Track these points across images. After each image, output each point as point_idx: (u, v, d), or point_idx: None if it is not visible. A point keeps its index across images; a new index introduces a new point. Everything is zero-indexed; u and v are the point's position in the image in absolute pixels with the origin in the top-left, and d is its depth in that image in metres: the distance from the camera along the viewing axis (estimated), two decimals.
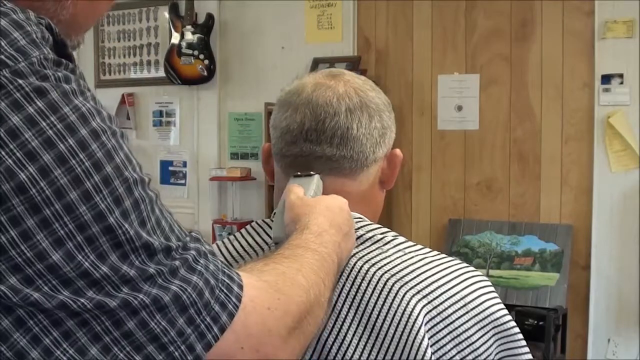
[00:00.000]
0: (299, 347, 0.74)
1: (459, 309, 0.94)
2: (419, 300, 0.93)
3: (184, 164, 4.36)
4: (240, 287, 0.68)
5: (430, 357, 0.91)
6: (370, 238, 0.99)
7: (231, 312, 0.65)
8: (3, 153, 0.56)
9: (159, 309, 0.61)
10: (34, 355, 0.57)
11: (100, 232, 0.59)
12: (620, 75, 3.26)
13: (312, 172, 1.02)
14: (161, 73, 4.28)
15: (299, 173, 1.02)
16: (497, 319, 0.97)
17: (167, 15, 4.26)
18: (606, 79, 3.29)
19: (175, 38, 4.14)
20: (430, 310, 0.93)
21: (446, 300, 0.94)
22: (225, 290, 0.66)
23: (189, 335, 0.63)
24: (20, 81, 0.57)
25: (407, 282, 0.94)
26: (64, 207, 0.57)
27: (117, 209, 0.60)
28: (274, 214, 1.01)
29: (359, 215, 1.02)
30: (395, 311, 0.91)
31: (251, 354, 0.66)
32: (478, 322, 0.95)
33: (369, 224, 1.02)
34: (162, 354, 0.61)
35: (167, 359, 0.62)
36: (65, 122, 0.58)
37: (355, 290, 0.93)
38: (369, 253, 0.97)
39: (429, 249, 1.02)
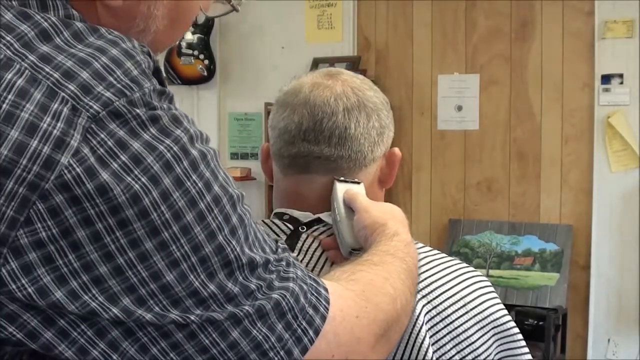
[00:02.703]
0: (385, 355, 0.75)
1: (459, 309, 0.94)
2: (419, 300, 0.93)
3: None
4: (326, 289, 0.69)
5: (432, 357, 0.91)
6: None
7: (323, 315, 0.67)
8: (129, 179, 0.57)
9: (260, 317, 0.63)
10: None
11: (213, 252, 0.61)
12: (620, 75, 3.26)
13: (357, 180, 1.02)
14: None
15: (342, 178, 1.01)
16: (497, 319, 0.97)
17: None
18: (606, 79, 3.29)
19: None
20: (430, 310, 0.93)
21: (446, 300, 0.94)
22: (315, 294, 0.68)
23: (287, 340, 0.64)
24: (137, 110, 0.59)
25: None
26: (181, 229, 0.59)
27: (226, 226, 0.62)
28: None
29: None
30: None
31: None
32: (478, 323, 0.95)
33: None
34: None
35: None
36: (180, 144, 0.60)
37: None
38: None
39: (430, 248, 1.02)
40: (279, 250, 0.69)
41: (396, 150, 1.08)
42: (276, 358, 0.64)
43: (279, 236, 1.02)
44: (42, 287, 0.56)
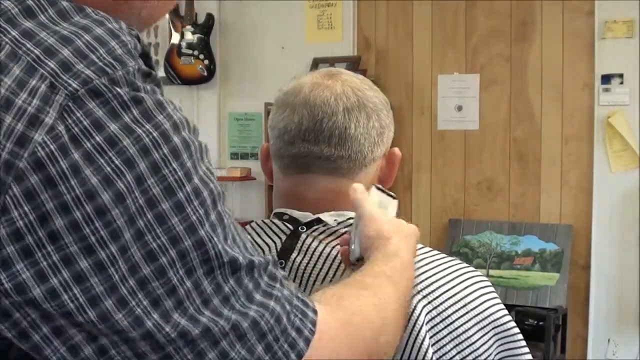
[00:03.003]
0: None
1: (459, 309, 0.94)
2: (420, 300, 0.92)
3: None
4: (315, 312, 0.66)
5: (432, 357, 0.91)
6: None
7: (307, 338, 0.63)
8: (102, 161, 0.55)
9: (238, 337, 0.59)
10: None
11: (192, 246, 0.58)
12: (620, 75, 3.26)
13: (393, 194, 1.01)
14: (161, 73, 4.27)
15: (380, 187, 1.01)
16: (497, 319, 0.97)
17: (167, 15, 4.26)
18: (606, 79, 3.29)
19: (175, 38, 4.14)
20: (430, 311, 0.93)
21: (446, 300, 0.94)
22: (300, 315, 0.64)
23: None
24: (118, 89, 0.57)
25: None
26: (156, 217, 0.56)
27: (207, 221, 0.59)
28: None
29: None
30: None
31: None
32: (478, 323, 0.95)
33: None
34: None
35: None
36: (160, 130, 0.58)
37: None
38: None
39: (429, 249, 1.02)
40: (269, 263, 0.66)
41: (396, 150, 1.08)
42: None
43: (279, 236, 1.02)
44: (21, 283, 0.54)
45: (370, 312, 0.73)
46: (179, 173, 0.58)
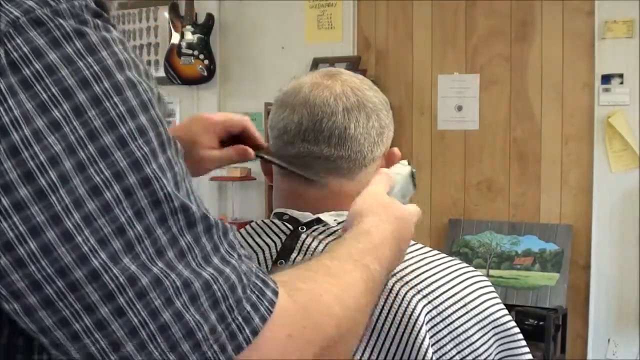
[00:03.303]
0: None
1: (459, 309, 0.94)
2: (420, 300, 0.92)
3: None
4: (275, 293, 0.63)
5: (432, 357, 0.91)
6: None
7: (263, 316, 0.61)
8: (39, 87, 0.54)
9: (191, 299, 0.57)
10: (58, 334, 0.55)
11: (138, 183, 0.56)
12: (620, 75, 3.26)
13: (413, 169, 1.00)
14: (161, 73, 4.28)
15: (407, 162, 1.01)
16: (497, 319, 0.97)
17: (167, 15, 4.26)
18: (606, 79, 3.29)
19: (175, 38, 4.14)
20: (430, 310, 0.93)
21: (446, 300, 0.94)
22: (257, 293, 0.61)
23: (220, 333, 0.58)
24: (61, 20, 0.56)
25: (407, 282, 0.93)
26: (98, 150, 0.55)
27: (154, 161, 0.57)
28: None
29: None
30: (397, 311, 0.91)
31: None
32: (478, 322, 0.95)
33: None
34: (195, 353, 0.57)
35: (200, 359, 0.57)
36: (102, 65, 0.57)
37: None
38: None
39: (429, 248, 1.02)
40: (228, 229, 0.63)
41: (396, 150, 1.08)
42: (209, 352, 0.57)
43: (278, 236, 1.02)
44: None
45: (330, 300, 0.69)
46: (121, 108, 0.56)
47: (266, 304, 0.61)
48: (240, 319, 0.59)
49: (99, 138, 0.55)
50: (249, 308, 0.60)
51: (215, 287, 0.58)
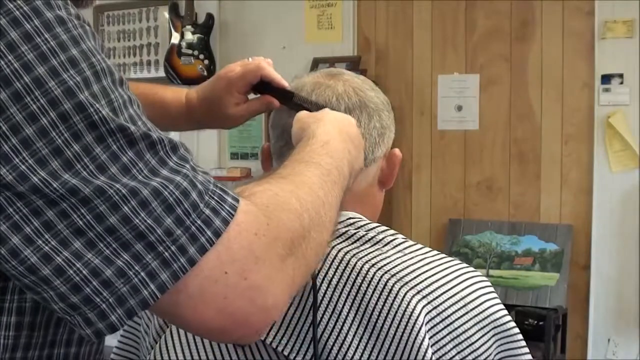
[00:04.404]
0: (299, 274, 0.70)
1: (459, 309, 0.94)
2: (419, 300, 0.92)
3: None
4: (236, 199, 0.64)
5: (431, 358, 0.91)
6: (370, 239, 0.99)
7: (225, 219, 0.62)
8: None
9: (141, 205, 0.59)
10: (14, 241, 0.57)
11: (72, 108, 0.58)
12: (620, 75, 3.26)
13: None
14: (161, 73, 4.28)
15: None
16: (497, 319, 0.97)
17: (167, 15, 4.26)
18: (606, 79, 3.29)
19: (175, 38, 4.14)
20: (430, 311, 0.93)
21: (446, 300, 0.94)
22: (216, 198, 0.63)
23: (179, 236, 0.60)
24: None
25: (407, 283, 0.93)
26: (32, 80, 0.57)
27: (86, 89, 0.59)
28: None
29: (358, 215, 1.02)
30: (396, 312, 0.91)
31: (238, 281, 0.62)
32: (478, 323, 0.95)
33: (368, 223, 1.02)
34: (150, 253, 0.59)
35: (156, 259, 0.59)
36: (31, 5, 0.59)
37: (355, 291, 0.93)
38: (369, 254, 0.97)
39: (429, 249, 1.02)
40: (178, 145, 0.64)
41: (397, 151, 1.08)
42: (166, 253, 0.59)
43: None
44: None
45: (286, 196, 0.70)
46: (52, 42, 0.59)
47: (227, 208, 0.63)
48: (199, 221, 0.61)
49: (33, 69, 0.57)
50: (208, 212, 0.62)
51: (165, 193, 0.60)
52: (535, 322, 3.11)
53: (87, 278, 0.58)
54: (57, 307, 0.60)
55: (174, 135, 0.66)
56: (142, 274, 0.59)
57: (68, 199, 0.57)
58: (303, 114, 0.96)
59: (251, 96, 1.13)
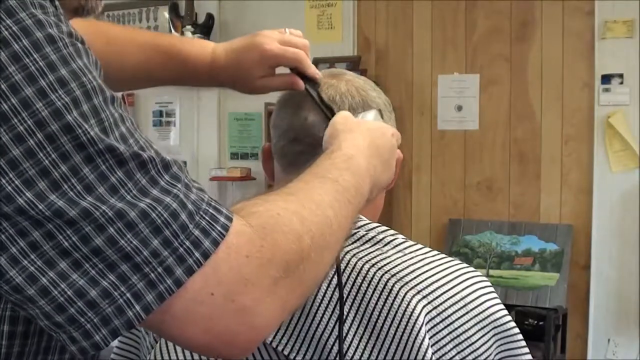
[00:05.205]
0: (294, 297, 0.68)
1: (459, 309, 0.94)
2: (419, 300, 0.92)
3: (184, 164, 4.36)
4: (229, 219, 0.63)
5: (431, 358, 0.91)
6: (371, 239, 0.99)
7: (215, 240, 0.61)
8: None
9: (127, 226, 0.58)
10: (0, 261, 0.57)
11: (60, 130, 0.58)
12: (620, 75, 3.26)
13: (378, 107, 1.01)
14: None
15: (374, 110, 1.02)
16: (497, 319, 0.97)
17: (167, 15, 4.26)
18: (606, 79, 3.29)
19: None
20: (430, 311, 0.93)
21: (446, 300, 0.94)
22: (207, 219, 0.62)
23: (166, 257, 0.59)
24: None
25: (407, 283, 0.93)
26: (20, 101, 0.57)
27: (75, 109, 0.59)
28: None
29: (358, 215, 1.02)
30: (396, 312, 0.91)
31: (224, 303, 0.62)
32: (478, 323, 0.95)
33: (368, 223, 1.02)
34: (137, 274, 0.59)
35: (142, 280, 0.59)
36: (20, 25, 0.58)
37: (355, 290, 0.93)
38: (369, 254, 0.97)
39: (429, 249, 1.02)
40: (170, 164, 0.63)
41: (398, 151, 1.08)
42: (152, 274, 0.59)
43: None
44: None
45: (288, 216, 0.68)
46: (41, 63, 0.58)
47: (219, 228, 0.62)
48: (187, 243, 0.60)
49: (21, 91, 0.57)
50: (197, 233, 0.61)
51: (154, 214, 0.59)
52: (535, 322, 3.11)
53: (71, 299, 0.58)
54: (43, 323, 0.60)
55: (167, 153, 0.65)
56: (128, 294, 0.59)
57: (54, 221, 0.57)
58: (339, 119, 0.93)
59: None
